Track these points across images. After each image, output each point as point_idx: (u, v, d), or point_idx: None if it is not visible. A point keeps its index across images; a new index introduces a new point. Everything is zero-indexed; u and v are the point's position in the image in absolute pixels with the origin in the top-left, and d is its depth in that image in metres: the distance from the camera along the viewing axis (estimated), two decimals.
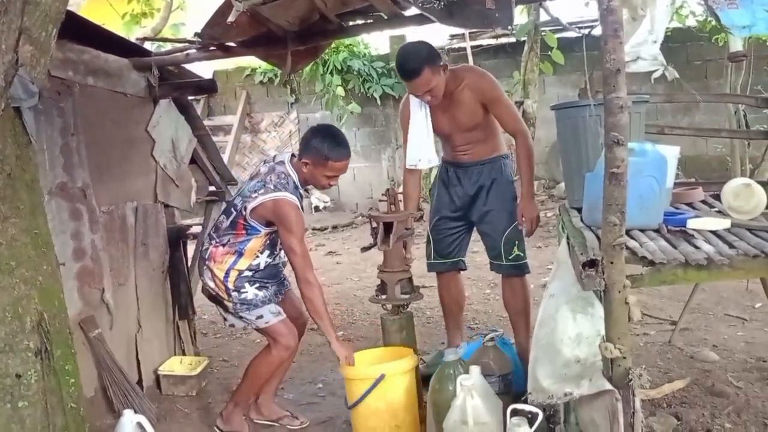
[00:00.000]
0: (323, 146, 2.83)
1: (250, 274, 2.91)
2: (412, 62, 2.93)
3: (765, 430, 2.67)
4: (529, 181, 3.14)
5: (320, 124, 3.06)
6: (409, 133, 3.20)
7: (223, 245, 2.91)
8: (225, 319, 3.06)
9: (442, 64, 2.98)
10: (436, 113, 3.15)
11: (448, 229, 3.34)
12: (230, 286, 2.88)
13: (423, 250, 3.53)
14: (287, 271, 3.07)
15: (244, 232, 2.88)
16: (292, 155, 2.97)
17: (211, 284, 2.93)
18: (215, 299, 3.00)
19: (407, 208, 3.31)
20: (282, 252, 2.98)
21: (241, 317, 2.93)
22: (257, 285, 2.92)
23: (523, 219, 3.11)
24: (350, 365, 2.80)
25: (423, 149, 3.16)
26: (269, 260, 2.96)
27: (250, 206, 2.82)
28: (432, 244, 3.40)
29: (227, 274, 2.89)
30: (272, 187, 2.80)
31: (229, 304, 2.92)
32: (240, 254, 2.89)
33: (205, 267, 2.95)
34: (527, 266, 3.27)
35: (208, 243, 2.98)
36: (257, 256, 2.91)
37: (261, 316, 2.90)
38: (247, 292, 2.89)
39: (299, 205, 2.83)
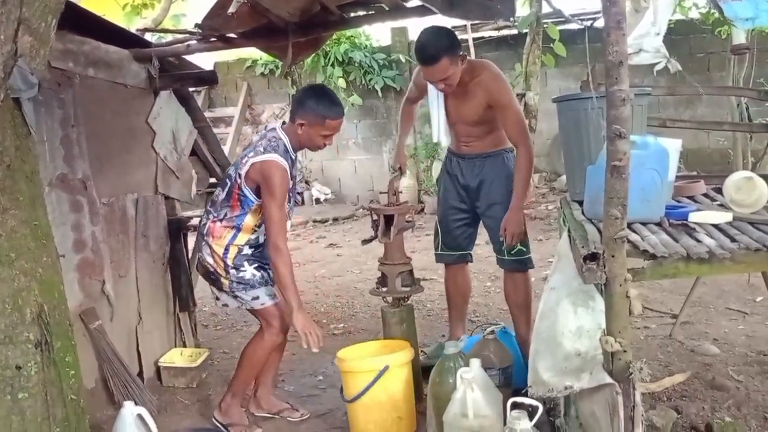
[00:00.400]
0: (319, 106, 2.82)
1: (249, 252, 2.89)
2: (432, 48, 2.88)
3: (765, 424, 2.67)
4: (520, 194, 3.07)
5: (312, 84, 3.02)
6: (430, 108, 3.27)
7: (221, 220, 2.89)
8: (217, 298, 3.02)
9: (461, 54, 2.94)
10: (445, 99, 3.15)
11: (456, 220, 3.33)
12: (229, 263, 2.87)
13: (425, 242, 3.52)
14: None
15: (238, 203, 2.86)
16: (283, 122, 2.96)
17: (210, 260, 2.90)
18: (210, 276, 2.95)
19: (402, 130, 3.57)
20: None
21: (236, 296, 2.91)
22: (256, 265, 2.90)
23: (505, 231, 3.06)
24: (312, 340, 2.74)
25: (439, 126, 3.26)
26: None
27: (242, 172, 2.81)
28: (440, 236, 3.38)
29: (227, 249, 2.87)
30: (262, 150, 2.79)
31: (226, 282, 2.89)
32: (238, 229, 2.87)
33: (203, 242, 2.92)
34: (531, 261, 3.25)
35: (205, 218, 2.96)
36: (255, 231, 2.90)
37: (257, 297, 2.89)
38: (245, 270, 2.87)
39: (287, 169, 2.80)
